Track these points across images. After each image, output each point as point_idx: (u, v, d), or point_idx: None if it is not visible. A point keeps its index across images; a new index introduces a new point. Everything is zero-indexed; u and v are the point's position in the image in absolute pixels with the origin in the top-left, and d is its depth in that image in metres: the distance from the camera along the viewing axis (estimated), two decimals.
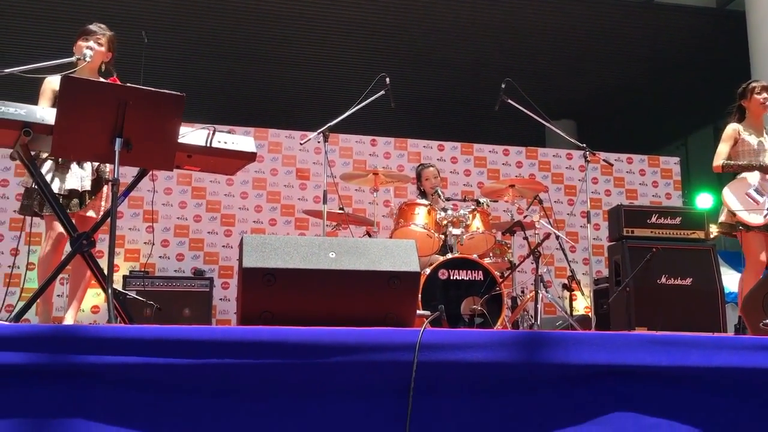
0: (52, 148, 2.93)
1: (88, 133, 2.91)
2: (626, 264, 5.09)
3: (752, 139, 4.77)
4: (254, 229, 7.83)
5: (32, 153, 3.07)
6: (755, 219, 4.55)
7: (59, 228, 3.61)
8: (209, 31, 10.39)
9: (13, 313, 2.98)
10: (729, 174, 4.86)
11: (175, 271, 7.46)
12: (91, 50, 3.64)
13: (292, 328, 2.06)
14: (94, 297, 7.04)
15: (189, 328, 2.00)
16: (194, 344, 1.99)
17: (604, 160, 5.68)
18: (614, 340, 2.14)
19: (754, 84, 4.89)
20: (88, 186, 3.61)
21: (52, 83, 3.66)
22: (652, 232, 5.26)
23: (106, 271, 2.95)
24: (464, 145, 8.74)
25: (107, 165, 3.71)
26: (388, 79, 5.06)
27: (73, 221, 3.21)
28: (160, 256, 7.53)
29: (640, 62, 11.45)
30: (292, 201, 7.99)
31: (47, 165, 3.52)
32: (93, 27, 3.77)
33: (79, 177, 3.58)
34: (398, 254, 2.34)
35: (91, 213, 3.68)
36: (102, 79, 3.73)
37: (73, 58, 3.58)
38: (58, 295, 5.87)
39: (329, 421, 2.04)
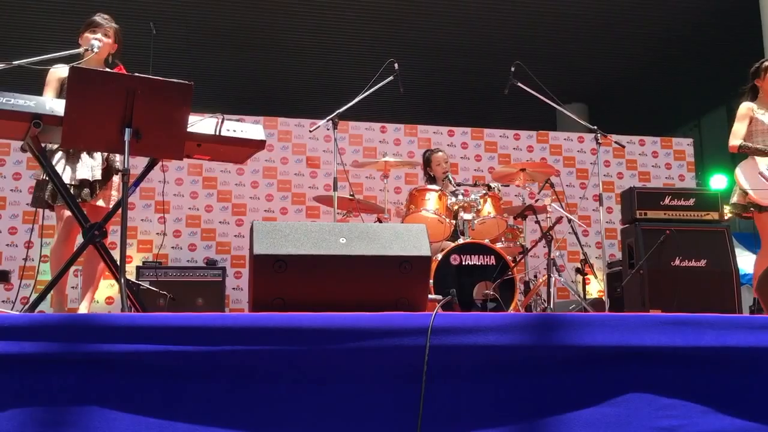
0: (62, 139, 2.94)
1: (98, 123, 2.92)
2: (639, 246, 5.06)
3: (765, 118, 4.71)
4: (265, 217, 7.85)
5: (43, 144, 3.07)
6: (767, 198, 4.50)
7: (70, 219, 3.63)
8: (217, 21, 10.37)
9: (28, 305, 3.00)
10: (743, 154, 4.81)
11: (188, 261, 7.50)
12: (99, 41, 3.64)
13: (303, 313, 2.06)
14: (108, 288, 7.09)
15: (201, 315, 2.00)
16: (206, 331, 2.00)
17: (615, 143, 5.64)
18: (627, 321, 2.12)
19: (767, 63, 4.83)
20: (98, 175, 3.63)
21: (57, 72, 3.67)
22: (665, 214, 5.22)
23: (118, 262, 2.97)
24: (474, 130, 8.70)
25: (117, 155, 3.72)
26: (396, 65, 5.04)
27: (84, 211, 3.22)
28: (172, 247, 7.57)
29: (651, 43, 11.33)
30: (303, 189, 7.99)
31: (58, 155, 3.54)
32: (99, 19, 3.78)
33: (89, 167, 3.59)
34: (409, 239, 2.33)
35: (101, 203, 3.69)
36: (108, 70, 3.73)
37: (81, 50, 3.59)
38: (72, 287, 5.92)
39: (343, 406, 2.05)
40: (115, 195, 3.79)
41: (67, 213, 3.59)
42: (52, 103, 2.94)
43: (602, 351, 2.11)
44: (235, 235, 7.72)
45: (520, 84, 5.16)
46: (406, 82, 5.26)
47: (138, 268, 6.58)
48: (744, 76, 4.93)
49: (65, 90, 3.42)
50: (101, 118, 2.90)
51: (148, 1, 9.70)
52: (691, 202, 5.26)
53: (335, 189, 4.91)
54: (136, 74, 2.97)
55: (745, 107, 4.78)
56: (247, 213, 7.84)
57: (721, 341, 2.13)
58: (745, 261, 7.07)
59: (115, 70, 3.75)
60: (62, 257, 3.66)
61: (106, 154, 3.72)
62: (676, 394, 2.12)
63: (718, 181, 10.96)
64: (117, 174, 3.79)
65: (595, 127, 5.21)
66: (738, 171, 4.68)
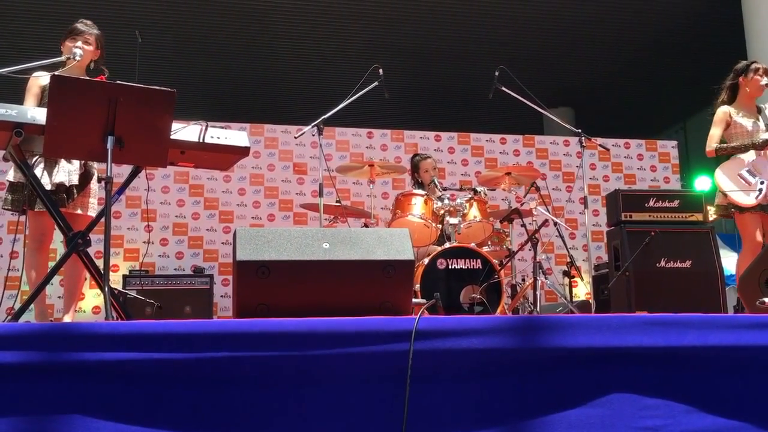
0: (44, 148, 2.92)
1: (80, 131, 2.90)
2: (625, 248, 5.08)
3: (745, 121, 4.73)
4: (253, 224, 7.83)
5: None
6: (747, 199, 4.53)
7: (43, 227, 3.61)
8: (203, 28, 10.37)
9: (11, 315, 2.97)
10: (725, 156, 4.84)
11: (175, 269, 7.47)
12: (81, 49, 3.63)
13: (287, 319, 2.06)
14: (95, 297, 7.05)
15: (184, 322, 2.00)
16: (190, 338, 1.99)
17: (600, 146, 5.68)
18: (609, 322, 2.13)
19: (758, 65, 4.82)
20: (75, 180, 3.60)
21: (39, 80, 3.65)
22: (650, 215, 5.25)
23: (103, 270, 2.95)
24: (461, 134, 8.73)
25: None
26: (381, 70, 5.05)
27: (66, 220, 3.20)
28: (159, 255, 7.54)
29: (636, 47, 11.42)
30: (290, 196, 7.99)
31: (36, 159, 3.50)
32: (80, 26, 3.75)
33: (66, 171, 3.57)
34: (392, 243, 2.34)
35: (79, 210, 3.66)
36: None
37: (63, 58, 3.57)
38: (59, 297, 5.88)
39: (327, 411, 2.04)
40: (93, 203, 3.76)
41: (42, 220, 3.57)
42: (33, 112, 2.93)
43: (585, 352, 2.12)
44: (223, 243, 7.69)
45: (504, 88, 5.19)
46: (392, 87, 5.27)
47: (124, 276, 6.55)
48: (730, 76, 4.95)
49: (46, 98, 3.41)
50: (83, 126, 2.88)
51: (133, 9, 9.68)
52: (676, 203, 5.29)
53: (321, 195, 4.92)
54: (119, 82, 2.96)
55: (722, 112, 4.81)
56: (234, 220, 7.82)
57: (704, 341, 2.15)
58: (731, 261, 7.11)
59: (97, 78, 3.73)
60: (38, 266, 3.64)
61: None
62: (659, 394, 2.13)
63: (702, 183, 11.04)
64: (96, 181, 3.77)
65: (580, 131, 5.24)
66: (718, 172, 4.71)
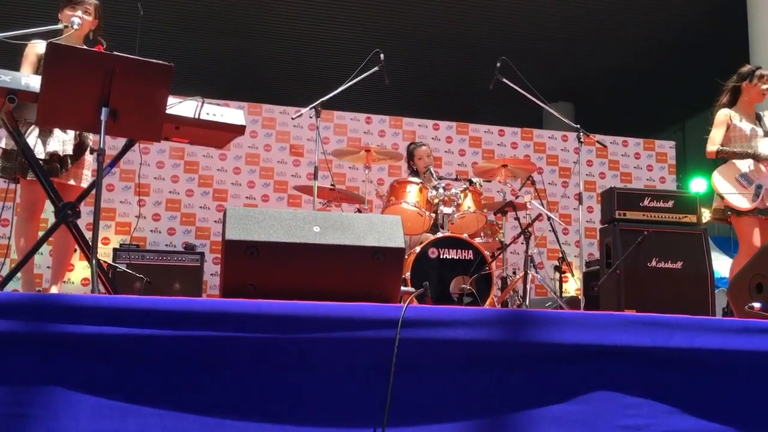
0: (37, 116, 2.89)
1: (74, 101, 2.87)
2: (617, 246, 5.08)
3: (744, 125, 4.72)
4: (246, 204, 7.80)
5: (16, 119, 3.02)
6: (742, 203, 4.53)
7: (35, 195, 3.58)
8: (206, 5, 10.28)
9: None
10: (723, 159, 4.83)
11: (167, 245, 7.45)
12: (80, 18, 3.58)
13: (274, 301, 2.05)
14: (84, 269, 7.03)
15: (168, 299, 1.98)
16: (175, 315, 1.97)
17: (598, 142, 5.67)
18: (597, 319, 2.13)
19: (763, 72, 4.78)
20: (69, 150, 3.56)
21: (36, 48, 3.60)
22: (644, 215, 5.25)
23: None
24: (459, 124, 8.70)
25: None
26: (382, 55, 5.02)
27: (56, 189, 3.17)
28: (151, 230, 7.51)
29: (638, 45, 11.39)
30: (285, 177, 7.95)
31: (30, 127, 3.47)
32: None
33: (61, 141, 3.53)
34: (383, 230, 2.32)
35: (72, 181, 3.63)
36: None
37: (60, 26, 3.52)
38: (48, 267, 5.85)
39: (311, 396, 2.04)
40: (87, 174, 3.73)
41: (34, 189, 3.53)
42: (28, 79, 2.90)
43: (572, 348, 2.12)
44: (215, 221, 7.67)
45: (505, 80, 5.16)
46: (392, 73, 5.24)
47: (115, 250, 6.51)
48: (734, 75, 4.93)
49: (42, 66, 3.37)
50: (78, 96, 2.85)
51: None
52: (670, 204, 5.29)
53: (316, 178, 4.89)
54: (115, 53, 2.92)
55: (723, 114, 4.79)
56: (228, 199, 7.79)
57: (690, 343, 2.14)
58: (722, 265, 7.14)
59: (94, 49, 3.68)
60: (28, 235, 3.61)
61: None
62: (644, 394, 2.13)
63: (698, 185, 11.06)
64: (90, 152, 3.73)
65: (578, 126, 5.22)
66: (715, 175, 4.70)
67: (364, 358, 2.05)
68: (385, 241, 2.31)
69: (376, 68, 5.06)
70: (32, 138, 3.44)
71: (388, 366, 2.01)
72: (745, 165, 4.66)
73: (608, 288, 5.09)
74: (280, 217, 2.27)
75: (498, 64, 5.12)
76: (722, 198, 4.61)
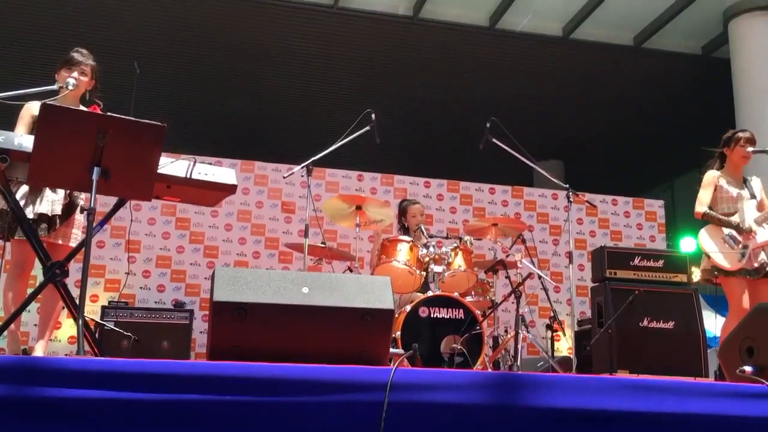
0: (28, 176, 2.90)
1: (66, 161, 2.89)
2: (609, 306, 5.09)
3: (731, 189, 4.76)
4: (237, 261, 7.76)
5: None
6: (729, 263, 4.53)
7: (24, 255, 3.55)
8: (200, 64, 10.45)
9: None
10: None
11: (156, 302, 7.37)
12: (75, 80, 3.62)
13: (260, 364, 2.03)
14: (72, 327, 6.93)
15: (153, 362, 1.96)
16: (162, 378, 1.95)
17: (587, 202, 5.71)
18: (589, 383, 2.11)
19: (740, 134, 4.87)
20: (58, 210, 3.55)
21: (31, 109, 3.63)
22: (635, 274, 5.27)
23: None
24: (450, 182, 8.76)
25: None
26: (373, 115, 5.08)
27: (45, 249, 3.16)
28: (140, 287, 7.45)
29: (627, 105, 11.60)
30: (277, 234, 7.95)
31: (20, 188, 3.46)
32: (77, 56, 3.75)
33: (50, 201, 3.53)
34: (372, 291, 2.32)
35: (60, 240, 3.61)
36: (83, 108, 3.71)
37: (56, 86, 3.57)
38: (35, 325, 5.78)
39: None
40: (77, 233, 3.71)
41: (23, 247, 3.51)
42: (21, 139, 2.92)
43: (564, 413, 2.09)
44: (206, 278, 7.61)
45: (495, 140, 5.22)
46: (384, 132, 5.30)
47: (103, 307, 6.44)
48: (717, 141, 5.02)
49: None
50: (70, 156, 2.87)
51: (132, 40, 9.75)
52: (661, 263, 5.33)
53: (306, 236, 4.89)
54: (108, 113, 2.96)
55: (711, 175, 4.85)
56: (219, 256, 7.76)
57: (683, 408, 2.13)
58: (714, 323, 7.11)
59: (90, 109, 3.72)
60: (16, 293, 3.58)
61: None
62: None
63: (688, 244, 11.11)
64: (80, 211, 3.73)
65: (567, 186, 5.27)
66: (702, 234, 4.72)
67: (352, 421, 2.02)
68: (374, 303, 2.31)
69: (367, 127, 5.12)
70: (22, 199, 3.43)
71: (376, 430, 1.98)
72: (728, 228, 4.68)
73: (600, 347, 5.07)
74: (269, 278, 2.26)
75: (488, 125, 5.19)
76: (709, 257, 4.62)
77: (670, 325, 5.05)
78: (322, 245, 5.57)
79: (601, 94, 11.23)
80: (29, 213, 3.41)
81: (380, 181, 8.51)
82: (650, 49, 10.07)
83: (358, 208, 5.44)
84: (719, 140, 4.99)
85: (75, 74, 3.69)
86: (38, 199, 3.49)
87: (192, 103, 11.62)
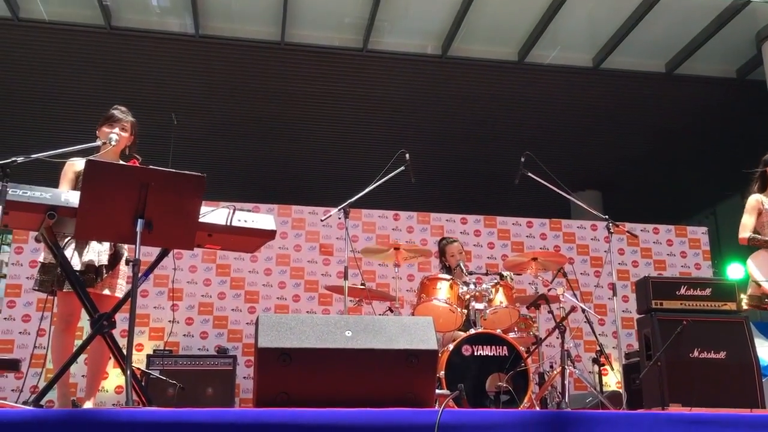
0: (75, 230, 2.98)
1: (111, 215, 2.96)
2: (656, 337, 4.95)
3: None
4: (278, 305, 7.81)
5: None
6: None
7: (71, 307, 3.62)
8: (235, 113, 10.68)
9: (33, 396, 2.96)
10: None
11: (199, 349, 7.44)
12: (117, 135, 3.74)
13: (308, 409, 2.02)
14: (119, 377, 7.02)
15: (202, 411, 1.97)
16: (209, 428, 1.96)
17: (628, 232, 5.63)
18: (640, 420, 2.06)
19: None
20: (104, 261, 3.64)
21: (74, 166, 3.75)
22: (681, 304, 5.14)
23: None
24: (487, 218, 8.73)
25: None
26: (407, 155, 5.12)
27: (93, 301, 3.22)
28: (184, 335, 7.53)
29: (663, 132, 11.48)
30: (316, 277, 7.99)
31: (66, 240, 3.55)
32: (117, 113, 3.89)
33: (96, 252, 3.61)
34: (416, 332, 2.31)
35: (107, 291, 3.69)
36: (123, 162, 3.82)
37: (98, 142, 3.68)
38: (83, 375, 5.86)
39: None
40: (122, 284, 3.79)
41: (70, 301, 3.59)
42: (67, 195, 3.01)
43: None
44: (247, 323, 7.67)
45: (530, 174, 5.20)
46: (418, 170, 5.33)
47: (148, 356, 6.53)
48: (757, 165, 4.95)
49: (80, 182, 3.50)
50: (115, 209, 2.94)
51: (170, 95, 10.04)
52: (708, 291, 5.18)
53: (346, 277, 4.91)
54: (151, 167, 3.03)
55: (754, 199, 4.77)
56: (259, 300, 7.81)
57: None
58: (766, 351, 6.90)
59: (129, 163, 3.83)
60: (63, 347, 3.64)
61: None
62: None
63: (735, 270, 10.84)
64: (126, 263, 3.80)
65: (606, 217, 5.21)
66: (750, 262, 4.62)
67: None
68: (417, 344, 2.30)
69: (402, 168, 5.15)
70: (69, 250, 3.52)
71: None
72: None
73: (650, 381, 4.93)
74: (312, 323, 2.27)
75: (522, 159, 5.18)
76: (758, 285, 4.51)
77: (722, 355, 4.89)
78: (362, 286, 5.58)
79: (636, 122, 11.14)
80: (76, 265, 3.49)
81: (416, 220, 8.52)
82: (683, 75, 9.98)
83: (396, 249, 5.47)
84: (759, 163, 4.92)
85: (116, 130, 3.81)
86: (84, 250, 3.58)
87: (227, 151, 11.84)
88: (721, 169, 12.38)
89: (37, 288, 3.63)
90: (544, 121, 11.00)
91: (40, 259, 3.68)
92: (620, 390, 5.87)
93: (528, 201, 11.75)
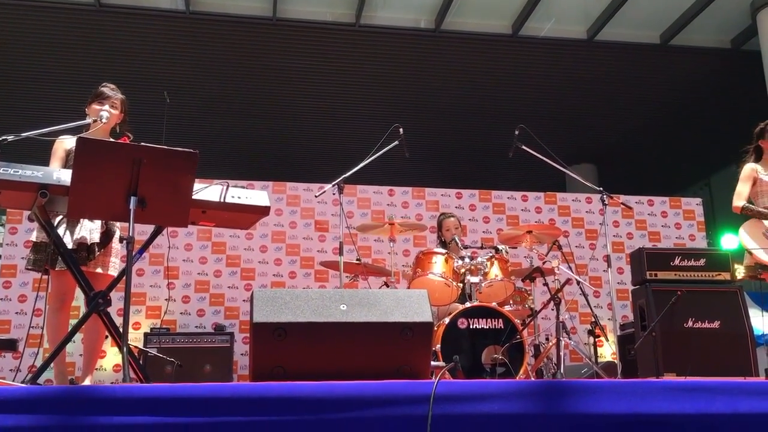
0: (68, 209, 2.96)
1: (104, 192, 2.95)
2: (651, 308, 4.98)
3: None
4: (274, 282, 7.82)
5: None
6: None
7: (64, 286, 3.62)
8: (228, 90, 10.61)
9: (29, 375, 2.97)
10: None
11: (196, 327, 7.46)
12: (108, 113, 3.71)
13: (303, 383, 2.03)
14: (116, 356, 7.04)
15: (199, 386, 1.98)
16: (205, 402, 1.97)
17: (622, 204, 5.62)
18: (634, 388, 2.08)
19: None
20: (96, 238, 3.62)
21: (64, 144, 3.72)
22: (676, 274, 5.16)
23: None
24: (482, 192, 8.73)
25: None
26: (401, 130, 5.10)
27: (88, 279, 3.22)
28: (181, 313, 7.54)
29: (658, 104, 11.46)
30: (312, 253, 7.99)
31: (58, 219, 3.54)
32: (106, 90, 3.85)
33: (88, 230, 3.60)
34: (410, 305, 2.31)
35: (99, 269, 3.68)
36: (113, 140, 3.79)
37: (89, 120, 3.65)
38: (80, 354, 5.89)
39: None
40: (115, 262, 3.78)
41: (63, 279, 3.58)
42: (59, 174, 2.99)
43: (610, 419, 2.06)
44: (244, 300, 7.68)
45: (524, 147, 5.19)
46: (413, 145, 5.31)
47: (146, 334, 6.55)
48: (751, 134, 4.96)
49: (71, 160, 3.48)
50: (107, 187, 2.93)
51: (161, 72, 9.96)
52: (702, 262, 5.20)
53: (341, 253, 4.91)
54: (142, 143, 3.01)
55: (749, 168, 4.78)
56: (255, 278, 7.82)
57: (733, 408, 2.08)
58: (761, 321, 6.95)
59: (120, 140, 3.80)
60: (58, 326, 3.64)
61: None
62: None
63: (729, 241, 10.88)
64: (120, 240, 3.79)
65: (601, 189, 5.21)
66: (742, 231, 4.64)
67: None
68: (412, 316, 2.30)
69: (396, 142, 5.13)
70: (61, 229, 3.51)
71: None
72: None
73: (645, 351, 4.96)
74: (307, 297, 2.28)
75: (516, 132, 5.16)
76: (752, 254, 4.53)
77: (716, 324, 4.93)
78: (358, 262, 5.59)
79: (630, 94, 11.12)
80: (68, 243, 3.47)
81: (411, 195, 8.51)
82: (678, 46, 9.94)
83: (391, 224, 5.47)
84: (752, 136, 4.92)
85: (107, 107, 3.77)
86: (76, 228, 3.57)
87: (221, 128, 11.79)
88: (715, 140, 12.38)
89: (29, 267, 3.62)
90: (538, 95, 10.96)
91: (32, 238, 3.67)
92: (615, 361, 5.92)
93: (523, 175, 11.76)
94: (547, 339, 6.04)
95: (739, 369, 4.72)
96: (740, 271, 4.93)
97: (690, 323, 4.93)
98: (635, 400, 2.05)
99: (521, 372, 4.73)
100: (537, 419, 2.05)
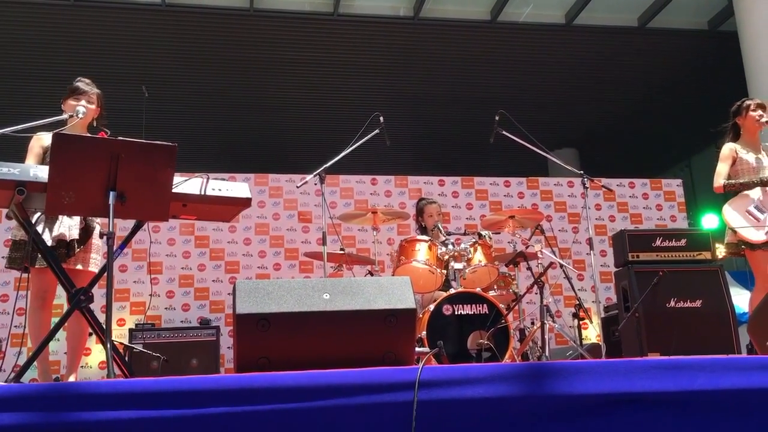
0: (46, 206, 2.93)
1: (82, 188, 2.91)
2: (634, 289, 5.03)
3: (750, 157, 4.75)
4: (259, 274, 7.80)
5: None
6: (757, 236, 4.49)
7: (44, 284, 3.59)
8: (207, 82, 10.53)
9: (13, 375, 2.95)
10: (732, 192, 4.83)
11: (182, 321, 7.43)
12: (84, 107, 3.67)
13: (287, 372, 2.03)
14: (101, 353, 7.00)
15: (183, 379, 1.97)
16: (189, 395, 1.96)
17: (603, 186, 5.66)
18: (617, 367, 2.09)
19: (748, 102, 4.89)
20: (75, 235, 3.59)
21: (40, 140, 3.68)
22: (657, 255, 5.21)
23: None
24: (464, 178, 8.75)
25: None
26: (381, 118, 5.09)
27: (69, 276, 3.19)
28: (165, 308, 7.51)
29: (637, 87, 11.52)
30: (296, 244, 7.98)
31: (36, 216, 3.50)
32: (82, 85, 3.80)
33: (67, 226, 3.57)
34: (393, 292, 2.32)
35: (79, 266, 3.65)
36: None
37: (65, 116, 3.61)
38: (65, 353, 5.85)
39: None
40: (96, 258, 3.75)
41: (44, 277, 3.55)
42: (36, 170, 2.95)
43: (594, 399, 2.08)
44: (229, 293, 7.66)
45: (505, 132, 5.20)
46: (394, 133, 5.30)
47: (131, 330, 6.51)
48: (729, 115, 5.00)
49: (48, 157, 3.44)
50: (85, 183, 2.89)
51: (139, 65, 9.86)
52: (683, 242, 5.26)
53: (325, 243, 4.90)
54: (120, 138, 2.98)
55: (728, 148, 4.83)
56: (240, 270, 7.80)
57: (714, 384, 2.10)
58: (743, 299, 7.03)
59: (97, 135, 3.76)
60: (40, 324, 3.61)
61: None
62: None
63: (709, 221, 11.00)
64: (100, 236, 3.76)
65: (582, 172, 5.23)
66: (726, 209, 4.68)
67: (383, 422, 2.02)
68: (395, 303, 2.31)
69: (377, 131, 5.12)
70: (39, 226, 3.47)
71: (408, 429, 1.97)
72: (755, 196, 4.64)
73: (629, 332, 5.01)
74: (290, 287, 2.27)
75: (497, 118, 5.17)
76: (735, 232, 4.58)
77: (698, 303, 4.98)
78: (341, 252, 5.58)
79: (610, 78, 11.16)
80: (47, 239, 3.44)
81: (394, 183, 8.52)
82: (655, 28, 9.99)
83: (374, 213, 5.47)
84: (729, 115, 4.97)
85: (83, 102, 3.73)
86: (55, 225, 3.54)
87: (201, 121, 11.71)
88: (695, 121, 12.45)
89: (9, 266, 3.59)
90: (518, 80, 10.98)
91: (9, 236, 3.63)
92: (600, 342, 5.97)
93: (505, 161, 11.78)
94: (532, 323, 6.09)
95: (722, 347, 4.78)
96: (721, 250, 4.99)
97: (672, 303, 4.99)
98: (619, 379, 2.07)
99: (507, 356, 4.76)
100: (522, 401, 2.06)
